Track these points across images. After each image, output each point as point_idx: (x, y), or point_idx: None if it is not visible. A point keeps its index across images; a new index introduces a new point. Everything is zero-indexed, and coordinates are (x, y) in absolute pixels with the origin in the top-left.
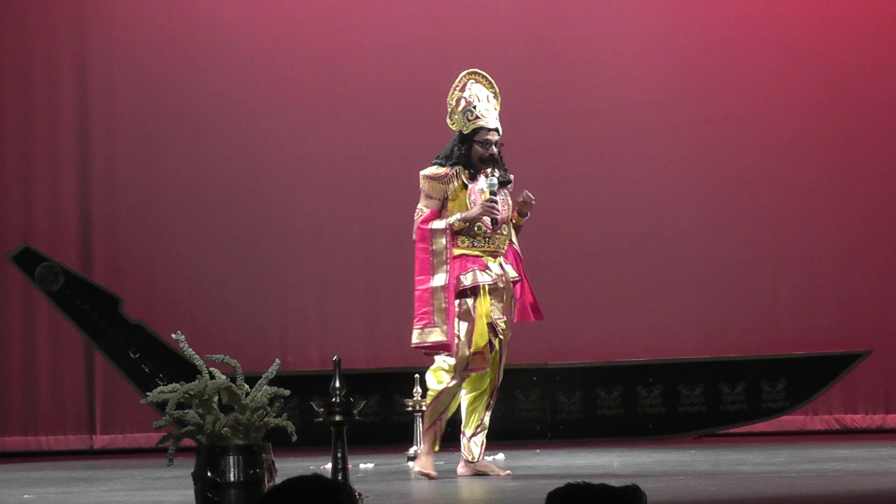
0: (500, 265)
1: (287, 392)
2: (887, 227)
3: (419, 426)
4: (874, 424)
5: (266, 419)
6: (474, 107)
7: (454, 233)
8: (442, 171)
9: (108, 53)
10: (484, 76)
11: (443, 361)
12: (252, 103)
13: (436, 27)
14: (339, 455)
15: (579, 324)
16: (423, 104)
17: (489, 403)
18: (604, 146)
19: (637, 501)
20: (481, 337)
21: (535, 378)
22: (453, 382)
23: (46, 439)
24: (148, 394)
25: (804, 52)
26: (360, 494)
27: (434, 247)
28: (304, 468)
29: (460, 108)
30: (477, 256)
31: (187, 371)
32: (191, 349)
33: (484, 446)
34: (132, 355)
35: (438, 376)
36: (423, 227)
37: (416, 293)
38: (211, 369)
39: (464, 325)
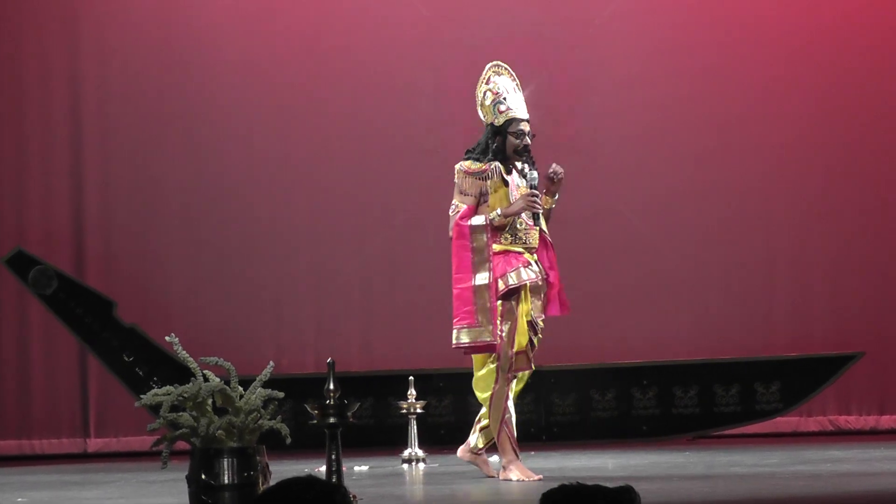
0: (537, 262)
1: (281, 394)
2: (881, 229)
3: (413, 429)
4: (868, 426)
5: (260, 422)
6: (504, 98)
7: (494, 229)
8: (480, 166)
9: (101, 57)
10: (506, 68)
11: (484, 368)
12: (246, 106)
13: (431, 28)
14: (333, 457)
15: (574, 326)
16: (419, 106)
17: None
18: (599, 150)
19: (631, 503)
20: (523, 336)
21: (529, 380)
22: (498, 385)
23: (40, 443)
24: (142, 397)
25: (802, 57)
26: (354, 497)
27: (475, 244)
28: (299, 470)
29: (489, 102)
30: (519, 253)
31: (181, 374)
32: (185, 352)
33: (490, 442)
34: (126, 358)
35: (484, 383)
36: (461, 223)
37: (456, 291)
38: (205, 372)
39: (507, 325)
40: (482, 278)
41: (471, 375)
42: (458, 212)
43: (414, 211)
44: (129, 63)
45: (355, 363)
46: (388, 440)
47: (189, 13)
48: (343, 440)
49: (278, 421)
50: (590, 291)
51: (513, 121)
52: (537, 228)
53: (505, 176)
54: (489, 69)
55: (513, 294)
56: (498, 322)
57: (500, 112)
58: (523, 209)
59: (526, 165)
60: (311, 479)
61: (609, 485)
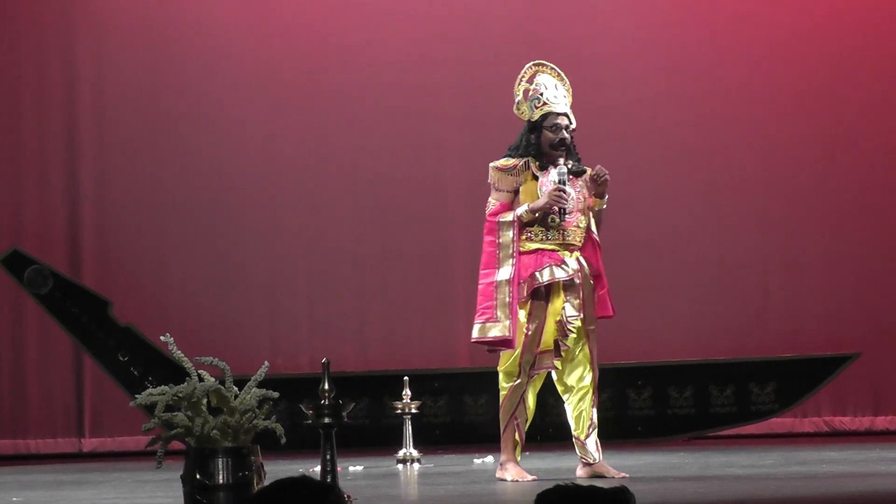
0: (578, 259)
1: (276, 394)
2: (876, 229)
3: (408, 429)
4: (863, 427)
5: (255, 422)
6: (541, 94)
7: (524, 225)
8: (511, 162)
9: (97, 57)
10: (552, 67)
11: (509, 361)
12: (241, 106)
13: (424, 26)
14: (328, 457)
15: None
16: (416, 104)
17: (593, 401)
18: (592, 148)
19: (626, 503)
20: (550, 335)
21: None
22: (518, 381)
23: (35, 442)
24: (137, 396)
25: (794, 55)
26: (348, 497)
27: (501, 240)
28: (293, 470)
29: (528, 98)
30: (553, 251)
31: (176, 374)
32: (180, 352)
33: (600, 446)
34: (121, 358)
35: (505, 375)
36: (491, 219)
37: (480, 287)
38: (200, 372)
39: (534, 323)
40: (504, 273)
41: (465, 376)
42: (491, 208)
43: (409, 211)
44: (125, 63)
45: (350, 363)
46: (382, 440)
47: (185, 14)
48: (338, 440)
49: (273, 421)
50: None
51: (548, 115)
52: (581, 226)
53: (535, 171)
54: (529, 68)
55: (542, 293)
56: (524, 319)
57: (537, 107)
58: (548, 205)
59: (558, 161)
60: (305, 480)
61: (604, 485)
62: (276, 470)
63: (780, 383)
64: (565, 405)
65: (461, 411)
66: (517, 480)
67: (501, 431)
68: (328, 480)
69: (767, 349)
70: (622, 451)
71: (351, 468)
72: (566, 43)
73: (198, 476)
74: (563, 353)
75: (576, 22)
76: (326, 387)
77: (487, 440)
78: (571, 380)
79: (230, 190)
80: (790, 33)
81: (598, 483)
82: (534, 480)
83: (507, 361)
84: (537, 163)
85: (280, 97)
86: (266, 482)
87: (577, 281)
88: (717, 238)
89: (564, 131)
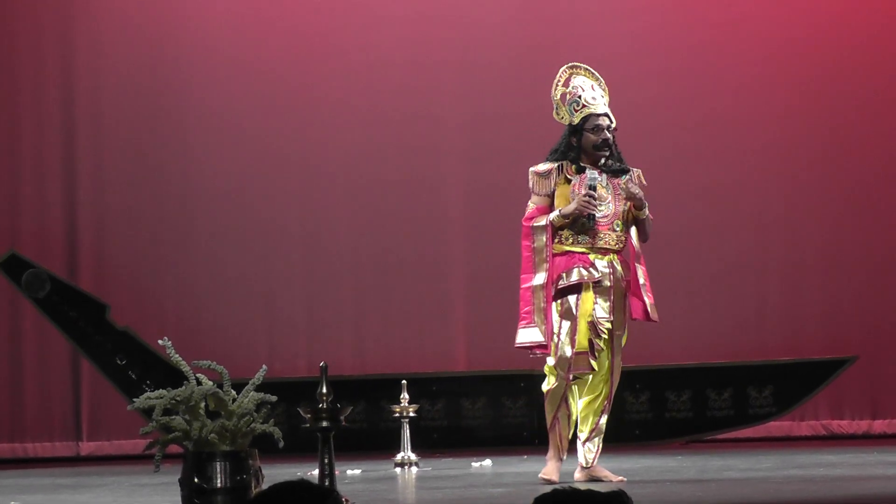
0: (611, 263)
1: (274, 398)
2: (874, 232)
3: (406, 432)
4: (860, 430)
5: (253, 425)
6: (579, 96)
7: (556, 229)
8: (547, 166)
9: (95, 58)
10: (586, 69)
11: (551, 361)
12: (239, 109)
13: (423, 29)
14: (325, 461)
15: None
16: (414, 108)
17: (604, 407)
18: None
19: None
20: (583, 337)
21: (522, 384)
22: (556, 384)
23: (33, 446)
24: (134, 400)
25: (791, 56)
26: (346, 500)
27: (535, 244)
28: (291, 474)
29: (566, 102)
30: (583, 253)
31: (174, 377)
32: (177, 355)
33: (599, 451)
34: (119, 362)
35: (547, 378)
36: (526, 224)
37: (521, 292)
38: (198, 375)
39: (566, 325)
40: (539, 278)
41: (463, 379)
42: (528, 212)
43: (406, 215)
44: (123, 65)
45: (348, 367)
46: (380, 444)
47: (184, 16)
48: (336, 444)
49: (271, 424)
50: None
51: (589, 117)
52: (617, 230)
53: (569, 175)
54: (565, 71)
55: (571, 294)
56: (555, 322)
57: (576, 111)
58: (577, 210)
59: (609, 163)
60: (303, 483)
61: (601, 489)
62: (274, 473)
63: (778, 387)
64: (578, 402)
65: (459, 415)
66: (542, 478)
67: (548, 431)
68: (326, 484)
69: (765, 353)
70: (620, 454)
71: (349, 472)
72: (564, 46)
73: (196, 480)
74: (598, 354)
75: (573, 25)
76: (324, 390)
77: (485, 443)
78: (588, 382)
79: (228, 193)
80: (789, 34)
81: (596, 487)
82: (555, 482)
83: (546, 365)
84: (574, 166)
85: (278, 101)
86: (264, 486)
87: (608, 284)
88: (715, 241)
89: (606, 131)
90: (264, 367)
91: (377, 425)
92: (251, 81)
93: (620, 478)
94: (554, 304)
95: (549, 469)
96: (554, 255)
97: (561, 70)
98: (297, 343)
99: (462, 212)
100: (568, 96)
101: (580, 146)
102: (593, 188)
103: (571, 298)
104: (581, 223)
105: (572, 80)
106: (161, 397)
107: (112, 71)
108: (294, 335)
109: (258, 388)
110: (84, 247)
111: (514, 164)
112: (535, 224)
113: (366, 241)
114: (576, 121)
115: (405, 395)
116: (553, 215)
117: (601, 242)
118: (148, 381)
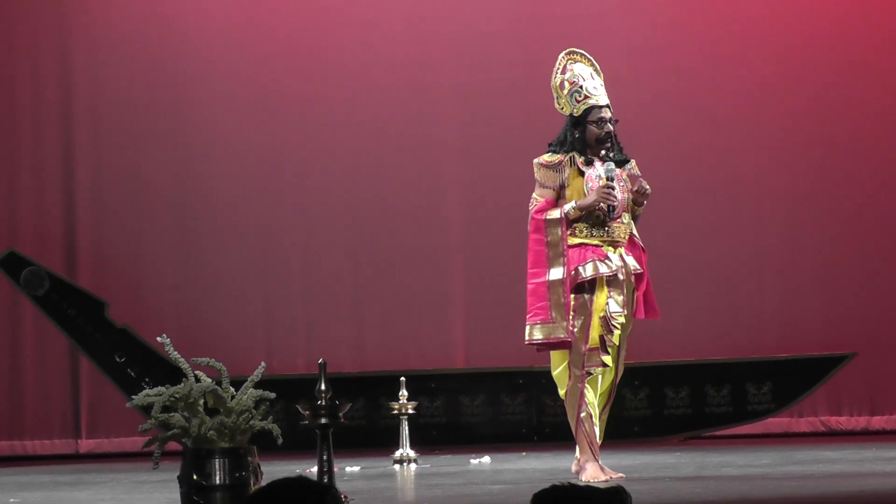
0: (622, 256)
1: (273, 395)
2: (872, 229)
3: (405, 429)
4: (859, 426)
5: (252, 422)
6: (581, 87)
7: (570, 222)
8: (555, 158)
9: (93, 58)
10: (583, 54)
11: (561, 365)
12: (237, 108)
13: (419, 25)
14: (324, 458)
15: None
16: (412, 105)
17: (606, 402)
18: None
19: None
20: (597, 332)
21: (521, 381)
22: (571, 382)
23: (32, 443)
24: (133, 397)
25: (791, 56)
26: (345, 497)
27: (549, 238)
28: (290, 471)
29: (566, 92)
30: (597, 246)
31: (173, 374)
32: (176, 352)
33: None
34: (118, 359)
35: (560, 377)
36: (537, 217)
37: (530, 287)
38: (196, 372)
39: (580, 320)
40: (556, 273)
41: (462, 376)
42: (536, 205)
43: (405, 211)
44: (121, 64)
45: (347, 364)
46: (379, 441)
47: (182, 16)
48: (334, 441)
49: (270, 421)
50: None
51: (592, 109)
52: (625, 222)
53: (581, 167)
54: (563, 58)
55: (586, 288)
56: (570, 317)
57: (578, 101)
58: (597, 202)
59: (603, 156)
60: (302, 480)
61: (600, 485)
62: (273, 470)
63: (777, 383)
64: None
65: (458, 412)
66: (590, 481)
67: (574, 433)
68: (325, 481)
69: (764, 349)
70: (619, 451)
71: (348, 469)
72: (563, 44)
73: (195, 477)
74: (609, 350)
75: (572, 23)
76: (323, 387)
77: (484, 441)
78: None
79: (227, 191)
80: (788, 35)
81: (591, 483)
82: (607, 480)
83: (557, 364)
84: (582, 158)
85: (276, 99)
86: (263, 483)
87: (621, 277)
88: (714, 238)
89: (609, 124)
90: (263, 364)
91: (376, 422)
92: (249, 80)
93: (620, 474)
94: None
95: (591, 472)
96: (568, 248)
97: (560, 56)
98: (295, 340)
99: (460, 209)
100: (567, 84)
101: (583, 138)
102: (612, 179)
103: (586, 293)
104: (596, 215)
105: (571, 66)
106: (160, 394)
107: (110, 69)
108: (293, 332)
109: (257, 385)
110: (83, 245)
111: (512, 163)
112: (548, 217)
113: (364, 239)
114: (577, 112)
115: (404, 392)
116: (568, 207)
117: (614, 235)
118: (147, 379)
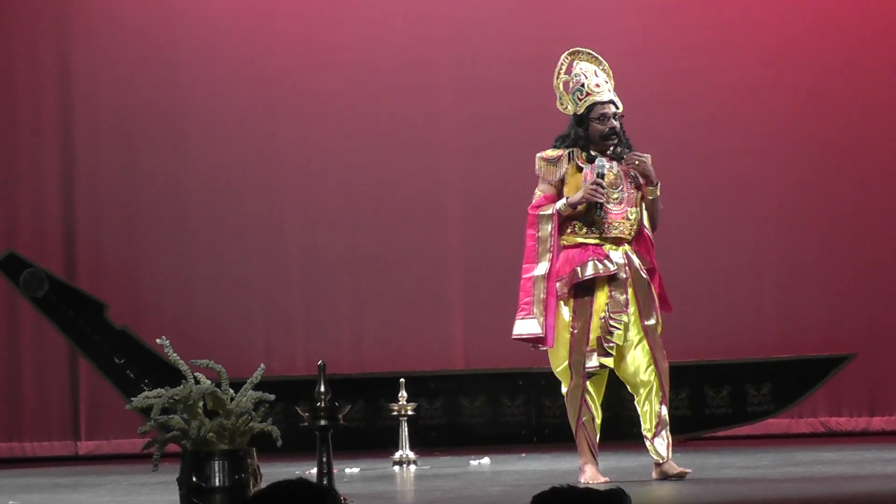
0: (626, 254)
1: (272, 397)
2: (871, 230)
3: (404, 431)
4: (859, 427)
5: (251, 424)
6: (583, 84)
7: (565, 218)
8: (556, 152)
9: (92, 58)
10: (588, 52)
11: (560, 364)
12: (237, 108)
13: (419, 23)
14: (324, 459)
15: None
16: (411, 106)
17: (661, 396)
18: None
19: None
20: (594, 334)
21: (520, 382)
22: (574, 383)
23: (31, 445)
24: (133, 399)
25: (789, 57)
26: (345, 499)
27: (540, 234)
28: (290, 473)
29: (569, 91)
30: (597, 245)
31: (172, 376)
32: (175, 354)
33: (670, 443)
34: (117, 361)
35: (562, 378)
36: (532, 212)
37: (521, 282)
38: (196, 374)
39: (580, 321)
40: (542, 268)
41: (461, 377)
42: (534, 201)
43: (404, 212)
44: (120, 64)
45: (346, 365)
46: (379, 442)
47: (182, 15)
48: (334, 442)
49: (269, 423)
50: None
51: (594, 105)
52: (630, 218)
53: (580, 163)
54: (566, 58)
55: (586, 289)
56: (568, 318)
57: (580, 99)
58: (584, 199)
59: (617, 150)
60: (301, 482)
61: (600, 487)
62: (273, 472)
63: (777, 384)
64: (635, 403)
65: (457, 413)
66: (588, 483)
67: (574, 434)
68: (324, 483)
69: (763, 350)
70: (618, 452)
71: (347, 470)
72: (563, 44)
73: (194, 479)
74: (608, 351)
75: (572, 23)
76: (322, 389)
77: (483, 442)
78: (634, 377)
79: (225, 192)
80: (785, 36)
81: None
82: (606, 482)
83: (558, 364)
84: (584, 154)
85: (275, 99)
86: (262, 485)
87: (624, 275)
88: (714, 239)
89: (613, 119)
90: (262, 365)
91: (375, 424)
92: (248, 80)
93: (686, 470)
94: (566, 298)
95: (590, 474)
96: (567, 248)
97: (562, 57)
98: (295, 341)
99: (460, 210)
100: (571, 84)
101: (587, 136)
102: (601, 176)
103: (587, 294)
104: (593, 212)
105: (574, 66)
106: (159, 396)
107: (109, 70)
108: (292, 334)
109: (256, 387)
110: (82, 246)
111: (512, 163)
112: (541, 213)
113: (364, 240)
114: (580, 110)
115: (403, 394)
116: (560, 204)
117: (615, 232)
118: (146, 381)
